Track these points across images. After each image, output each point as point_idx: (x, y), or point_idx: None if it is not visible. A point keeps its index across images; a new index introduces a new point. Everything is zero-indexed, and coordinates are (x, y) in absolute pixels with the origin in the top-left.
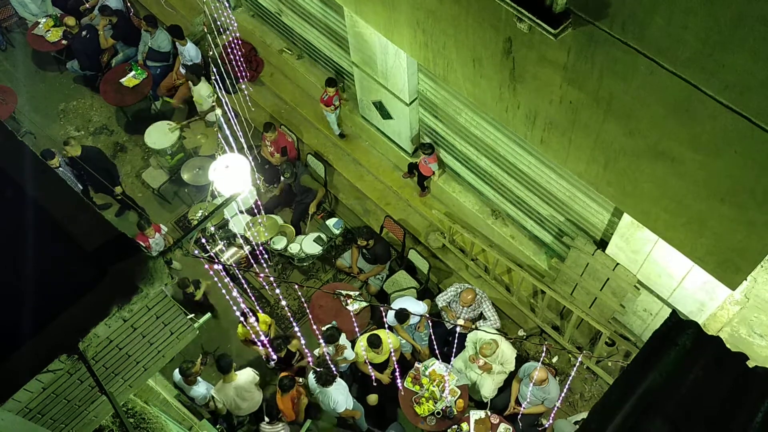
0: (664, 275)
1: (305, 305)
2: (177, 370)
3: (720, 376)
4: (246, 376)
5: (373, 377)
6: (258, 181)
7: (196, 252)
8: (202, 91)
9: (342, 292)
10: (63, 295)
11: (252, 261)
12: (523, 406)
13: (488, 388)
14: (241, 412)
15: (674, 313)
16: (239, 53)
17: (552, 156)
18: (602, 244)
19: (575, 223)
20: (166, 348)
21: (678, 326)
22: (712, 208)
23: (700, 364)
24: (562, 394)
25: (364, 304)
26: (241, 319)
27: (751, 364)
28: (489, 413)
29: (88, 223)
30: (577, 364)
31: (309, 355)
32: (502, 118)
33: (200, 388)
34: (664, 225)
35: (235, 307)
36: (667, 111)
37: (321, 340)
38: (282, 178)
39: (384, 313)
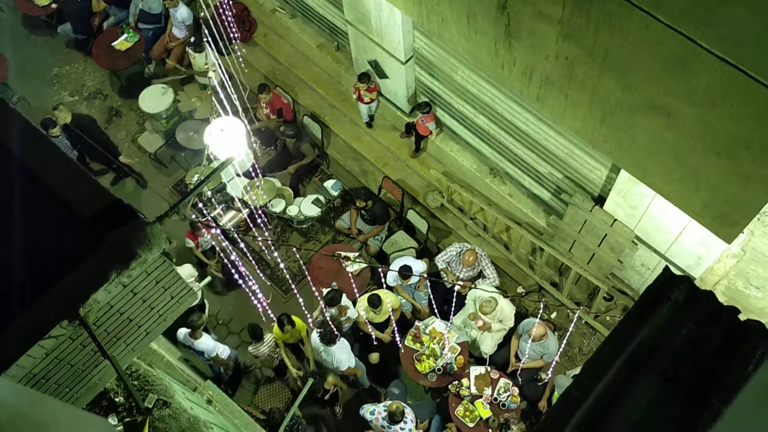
0: (662, 230)
1: (304, 268)
2: (182, 329)
3: (712, 330)
4: (186, 269)
5: (374, 336)
6: (254, 144)
7: (193, 216)
8: (202, 58)
9: (341, 253)
10: (61, 262)
11: (251, 224)
12: (522, 361)
13: (488, 345)
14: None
15: (667, 268)
16: (231, 13)
17: (548, 113)
18: (600, 200)
19: (573, 180)
20: (167, 312)
21: (671, 282)
22: (707, 162)
23: (692, 318)
24: (561, 349)
25: (364, 264)
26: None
27: (747, 316)
28: (489, 369)
29: (83, 190)
30: (575, 319)
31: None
32: (498, 76)
33: (206, 342)
34: (660, 180)
35: (271, 312)
36: (663, 65)
37: (321, 302)
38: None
39: (383, 274)
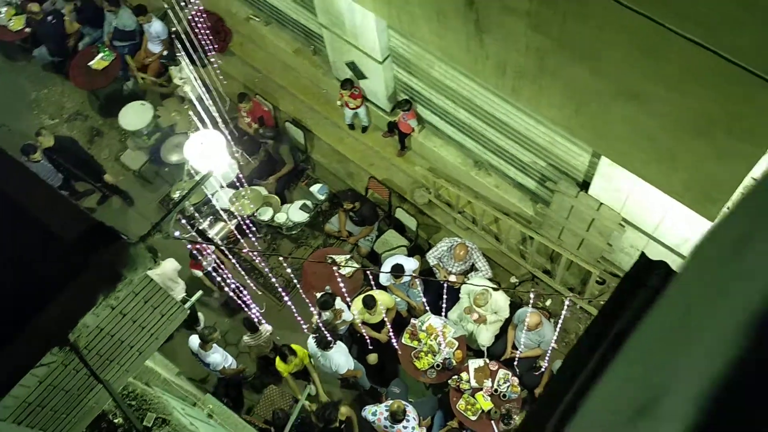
0: (647, 211)
1: (292, 276)
2: (195, 336)
3: None
4: (172, 265)
5: (368, 338)
6: (236, 154)
7: (177, 233)
8: (179, 72)
9: (332, 257)
10: (47, 288)
11: (239, 235)
12: (519, 350)
13: (485, 337)
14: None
15: (643, 254)
16: (206, 25)
17: (525, 104)
18: (585, 185)
19: (557, 167)
20: (159, 330)
21: (647, 267)
22: (683, 143)
23: None
24: (555, 336)
25: (356, 266)
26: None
27: None
28: (487, 361)
29: (64, 214)
30: (566, 305)
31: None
32: (473, 70)
33: (215, 356)
34: (639, 163)
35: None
36: (633, 51)
37: (313, 309)
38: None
39: (371, 277)
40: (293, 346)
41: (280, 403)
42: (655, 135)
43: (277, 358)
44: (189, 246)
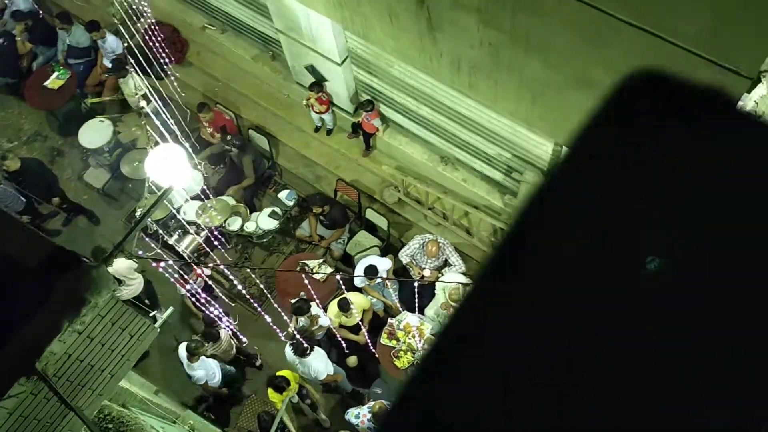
0: None
1: (263, 287)
2: (184, 345)
3: None
4: (124, 264)
5: (343, 343)
6: (200, 166)
7: (141, 252)
8: (130, 84)
9: (305, 263)
10: (10, 319)
11: (209, 247)
12: None
13: None
14: (122, 296)
15: None
16: (160, 37)
17: (482, 98)
18: None
19: (522, 158)
20: (129, 352)
21: None
22: None
23: None
24: None
25: (330, 270)
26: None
27: None
28: None
29: (23, 241)
30: None
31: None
32: (428, 68)
33: (199, 371)
34: None
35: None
36: (581, 40)
37: (287, 319)
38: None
39: (340, 282)
40: (284, 373)
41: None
42: None
43: (270, 390)
44: (154, 264)
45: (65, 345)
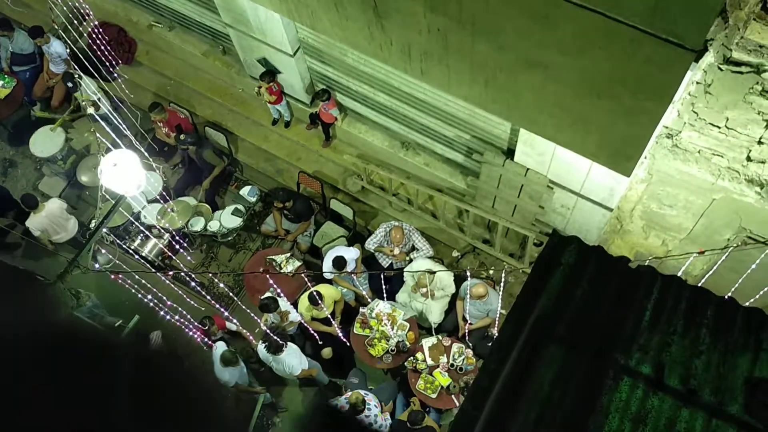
0: (572, 170)
1: (227, 289)
2: (222, 351)
3: (606, 285)
4: (56, 204)
5: (317, 336)
6: (158, 168)
7: (97, 266)
8: (85, 89)
9: (273, 258)
10: None
11: (172, 250)
12: (469, 322)
13: (435, 314)
14: (61, 239)
15: (554, 231)
16: (106, 39)
17: (435, 85)
18: (510, 153)
19: (481, 138)
20: None
21: (560, 245)
22: (591, 105)
23: (585, 278)
24: (501, 303)
25: (298, 263)
26: None
27: (666, 234)
28: (440, 337)
29: None
30: (503, 273)
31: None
32: (379, 57)
33: (225, 375)
34: (552, 130)
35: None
36: (527, 21)
37: (257, 318)
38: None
39: (304, 276)
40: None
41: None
42: (563, 101)
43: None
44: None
45: None
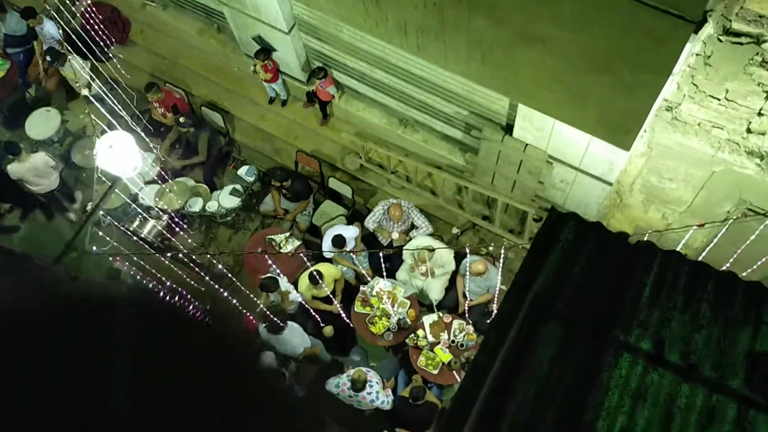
0: (571, 145)
1: (225, 270)
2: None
3: (604, 261)
4: (40, 157)
5: (315, 312)
6: (155, 149)
7: (95, 249)
8: (69, 71)
9: (273, 237)
10: None
11: (171, 231)
12: (469, 299)
13: (436, 291)
14: (41, 189)
15: (553, 208)
16: (99, 18)
17: (432, 60)
18: (509, 128)
19: (479, 114)
20: None
21: (559, 221)
22: (590, 80)
23: (583, 254)
24: (500, 279)
25: (297, 242)
26: None
27: (666, 207)
28: (441, 314)
29: None
30: (503, 249)
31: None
32: (375, 33)
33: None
34: (551, 105)
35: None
36: None
37: (257, 300)
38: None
39: (303, 256)
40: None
41: None
42: (562, 76)
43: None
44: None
45: None
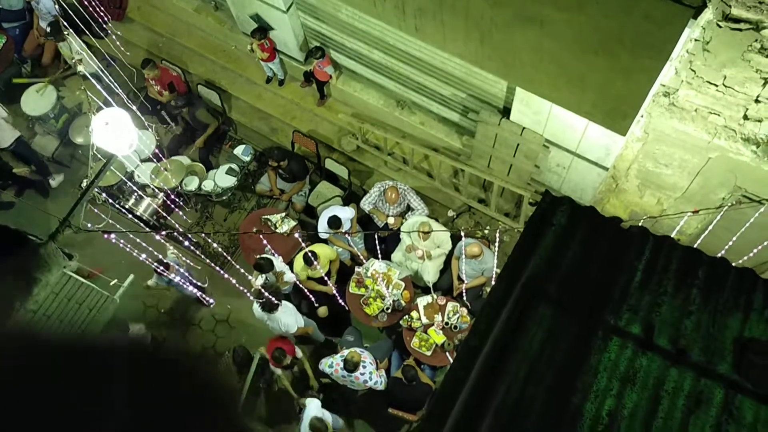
0: (568, 129)
1: (221, 250)
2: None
3: (596, 246)
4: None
5: (309, 293)
6: (150, 127)
7: (90, 225)
8: (66, 48)
9: (268, 217)
10: None
11: (166, 210)
12: (465, 281)
13: (431, 273)
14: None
15: (547, 192)
16: None
17: (430, 41)
18: (506, 111)
19: (477, 97)
20: (91, 325)
21: (552, 205)
22: (588, 63)
23: (576, 239)
24: (496, 262)
25: (293, 223)
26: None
27: (662, 193)
28: (435, 296)
29: None
30: (498, 232)
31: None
32: (373, 13)
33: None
34: (549, 88)
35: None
36: None
37: (251, 278)
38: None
39: (298, 237)
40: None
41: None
42: (560, 58)
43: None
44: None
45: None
